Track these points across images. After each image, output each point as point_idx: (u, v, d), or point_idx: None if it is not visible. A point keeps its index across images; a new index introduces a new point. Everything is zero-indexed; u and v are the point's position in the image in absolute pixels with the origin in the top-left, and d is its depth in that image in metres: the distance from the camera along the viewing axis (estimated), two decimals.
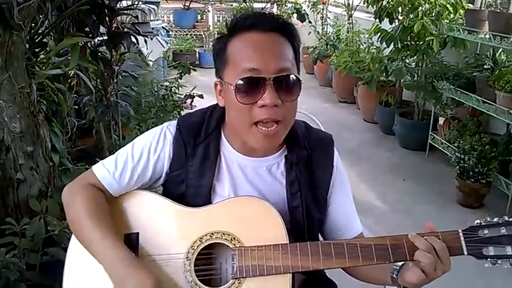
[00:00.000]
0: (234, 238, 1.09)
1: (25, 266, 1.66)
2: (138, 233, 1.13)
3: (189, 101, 3.78)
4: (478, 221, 1.03)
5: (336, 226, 1.22)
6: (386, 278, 1.09)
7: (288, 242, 1.07)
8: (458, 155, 3.31)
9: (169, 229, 1.13)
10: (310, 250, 1.05)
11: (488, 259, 0.99)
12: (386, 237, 1.04)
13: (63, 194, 1.18)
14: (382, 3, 4.25)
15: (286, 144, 1.17)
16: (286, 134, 1.11)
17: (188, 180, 1.16)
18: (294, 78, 1.05)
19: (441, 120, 4.05)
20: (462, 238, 1.01)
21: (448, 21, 3.92)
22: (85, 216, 1.08)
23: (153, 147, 1.17)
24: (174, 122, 1.20)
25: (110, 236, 1.05)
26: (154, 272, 1.04)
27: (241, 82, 1.02)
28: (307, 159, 1.18)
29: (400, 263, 1.06)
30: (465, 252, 1.01)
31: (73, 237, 1.16)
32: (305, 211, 1.16)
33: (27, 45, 1.91)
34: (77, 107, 2.77)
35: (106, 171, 1.16)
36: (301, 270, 1.05)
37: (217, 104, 1.17)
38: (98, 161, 1.21)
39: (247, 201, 1.12)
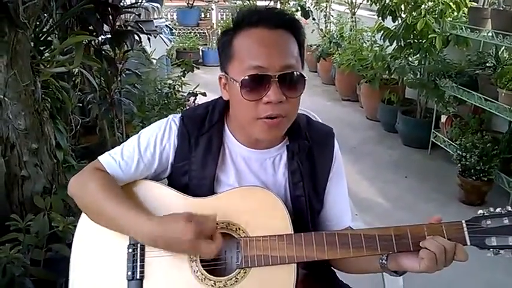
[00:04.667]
0: (239, 228, 1.10)
1: (29, 261, 1.66)
2: None
3: (192, 98, 3.79)
4: (481, 212, 1.04)
5: (328, 217, 1.24)
6: (375, 264, 1.10)
7: (292, 232, 1.08)
8: (460, 153, 3.31)
9: None
10: (315, 240, 1.06)
11: (491, 249, 1.01)
12: (390, 227, 1.05)
13: (71, 185, 1.17)
14: (385, 1, 4.25)
15: (288, 136, 1.19)
16: (288, 126, 1.13)
17: (191, 172, 1.17)
18: (299, 74, 1.07)
19: (443, 118, 4.04)
20: (465, 229, 1.03)
21: (451, 19, 3.91)
22: (103, 196, 1.08)
23: (159, 138, 1.18)
24: (179, 114, 1.22)
25: (134, 207, 1.07)
26: (159, 261, 1.07)
27: (247, 79, 1.03)
28: (308, 150, 1.19)
29: None
30: (468, 243, 1.02)
31: (77, 232, 1.16)
32: (308, 201, 1.17)
33: (32, 44, 1.92)
34: (80, 104, 2.80)
35: (112, 159, 1.16)
36: (306, 260, 1.06)
37: (220, 97, 1.18)
38: None
39: (252, 192, 1.14)
